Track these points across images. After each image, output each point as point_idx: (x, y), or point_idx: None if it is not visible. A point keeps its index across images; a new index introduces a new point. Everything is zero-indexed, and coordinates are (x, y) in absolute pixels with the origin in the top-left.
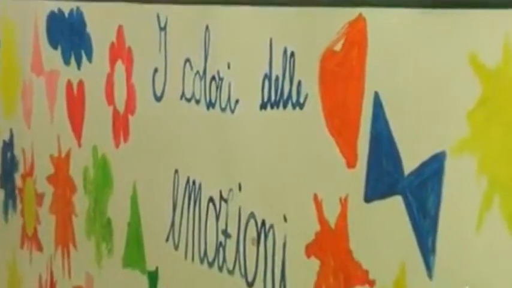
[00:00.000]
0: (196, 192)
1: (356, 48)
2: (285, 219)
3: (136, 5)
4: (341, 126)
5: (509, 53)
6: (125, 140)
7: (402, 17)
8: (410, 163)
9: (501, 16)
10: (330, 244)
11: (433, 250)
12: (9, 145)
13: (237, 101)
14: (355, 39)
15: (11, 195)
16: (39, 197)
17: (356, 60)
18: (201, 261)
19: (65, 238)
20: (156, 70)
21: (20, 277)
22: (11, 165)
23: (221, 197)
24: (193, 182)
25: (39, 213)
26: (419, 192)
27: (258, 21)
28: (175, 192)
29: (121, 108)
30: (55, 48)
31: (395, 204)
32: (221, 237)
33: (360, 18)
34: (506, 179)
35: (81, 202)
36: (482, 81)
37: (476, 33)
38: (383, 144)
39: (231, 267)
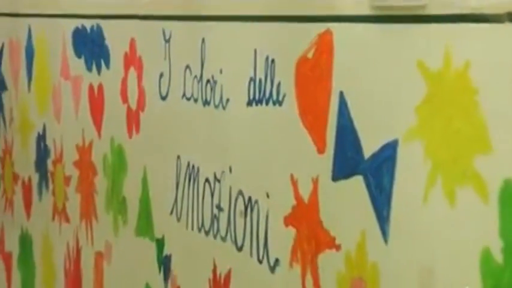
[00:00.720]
0: (195, 174)
1: (325, 55)
2: (267, 196)
3: (145, 21)
4: (313, 119)
5: (449, 59)
6: (137, 132)
7: (362, 30)
8: (369, 149)
9: (442, 30)
10: (304, 216)
11: (387, 220)
12: (42, 137)
13: (227, 100)
14: (324, 48)
15: (44, 177)
16: (67, 179)
17: (325, 65)
18: (199, 230)
19: (88, 212)
20: (161, 75)
21: (51, 244)
22: (44, 153)
23: (215, 178)
24: (193, 166)
25: (67, 192)
26: (377, 172)
27: (245, 34)
28: (178, 174)
29: (133, 106)
30: (79, 57)
31: (357, 183)
32: (215, 211)
33: (328, 31)
34: (447, 161)
35: (101, 183)
36: (427, 82)
37: (423, 44)
38: (347, 134)
39: (223, 235)
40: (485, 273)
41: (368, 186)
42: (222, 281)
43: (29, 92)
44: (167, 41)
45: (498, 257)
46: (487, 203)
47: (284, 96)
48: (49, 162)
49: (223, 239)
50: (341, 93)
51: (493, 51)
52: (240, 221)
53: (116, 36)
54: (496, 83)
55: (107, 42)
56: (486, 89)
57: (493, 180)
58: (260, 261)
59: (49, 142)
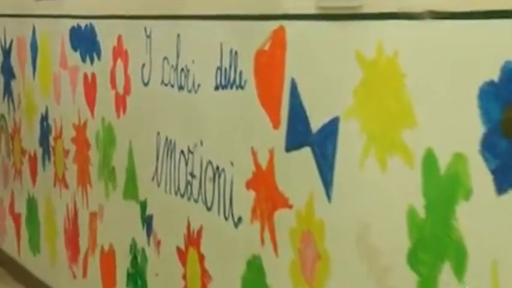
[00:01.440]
0: (172, 147)
1: (279, 48)
2: (232, 164)
3: (130, 20)
4: (269, 101)
5: (381, 50)
6: (124, 112)
7: (310, 27)
8: (315, 125)
9: (375, 26)
10: (262, 181)
11: (331, 183)
12: (45, 117)
13: (199, 85)
14: (278, 42)
15: (47, 151)
16: (66, 152)
17: (279, 56)
18: (176, 193)
19: (83, 180)
20: (143, 65)
21: (53, 207)
22: (46, 131)
23: (189, 150)
24: (170, 140)
25: (66, 163)
26: (322, 144)
27: (213, 30)
28: (158, 147)
29: (120, 91)
30: (75, 51)
31: (306, 153)
32: (189, 177)
33: (281, 28)
34: (379, 135)
35: (94, 155)
36: (363, 69)
37: (360, 37)
38: (297, 113)
39: (196, 198)
40: (411, 226)
41: (315, 155)
42: (195, 235)
43: (33, 80)
44: (148, 36)
45: (421, 212)
46: (412, 168)
47: (245, 81)
48: (51, 138)
49: (196, 200)
50: (292, 79)
51: (417, 42)
52: (209, 186)
53: (105, 33)
54: (420, 69)
55: (98, 38)
56: (412, 74)
57: (417, 149)
58: (226, 219)
59: (50, 121)
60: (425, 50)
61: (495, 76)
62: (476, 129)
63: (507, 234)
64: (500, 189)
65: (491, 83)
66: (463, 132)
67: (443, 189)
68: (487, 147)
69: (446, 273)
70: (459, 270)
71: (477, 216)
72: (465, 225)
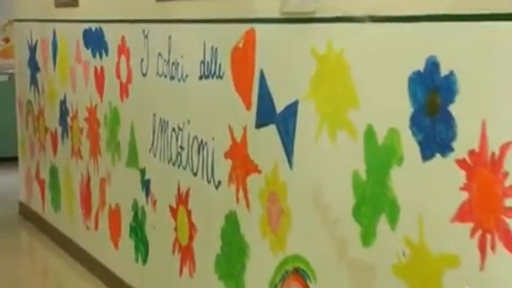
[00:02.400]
0: (165, 125)
1: (250, 45)
2: (213, 139)
3: (131, 24)
4: (242, 88)
5: (331, 46)
6: (126, 97)
7: (275, 28)
8: (279, 107)
9: (326, 27)
10: (237, 152)
11: (292, 153)
12: (63, 102)
13: (186, 75)
14: (250, 40)
15: (65, 129)
16: (80, 130)
17: (250, 52)
18: (168, 162)
19: (95, 152)
20: (142, 59)
21: (70, 174)
22: (65, 112)
23: (179, 127)
24: (164, 120)
25: (81, 139)
26: (284, 122)
27: (197, 31)
28: (154, 125)
29: (124, 80)
30: (87, 48)
31: (272, 129)
32: (179, 149)
33: (252, 29)
34: (330, 114)
35: (103, 132)
36: (317, 62)
37: (314, 36)
38: (265, 97)
39: (184, 165)
40: (355, 186)
41: (279, 131)
42: (184, 195)
43: (54, 72)
44: (146, 37)
45: (363, 175)
46: (355, 141)
47: (223, 73)
48: (68, 119)
49: (184, 168)
50: (261, 70)
51: (359, 41)
52: (195, 156)
53: (111, 34)
54: (362, 62)
55: (106, 38)
56: (355, 66)
57: (360, 126)
58: (208, 182)
59: (68, 105)
60: (366, 46)
61: (421, 67)
62: (406, 109)
63: (430, 192)
64: (425, 156)
65: (417, 73)
66: (396, 111)
67: (380, 157)
68: (415, 123)
69: (382, 223)
70: (392, 221)
71: (407, 178)
72: (398, 186)
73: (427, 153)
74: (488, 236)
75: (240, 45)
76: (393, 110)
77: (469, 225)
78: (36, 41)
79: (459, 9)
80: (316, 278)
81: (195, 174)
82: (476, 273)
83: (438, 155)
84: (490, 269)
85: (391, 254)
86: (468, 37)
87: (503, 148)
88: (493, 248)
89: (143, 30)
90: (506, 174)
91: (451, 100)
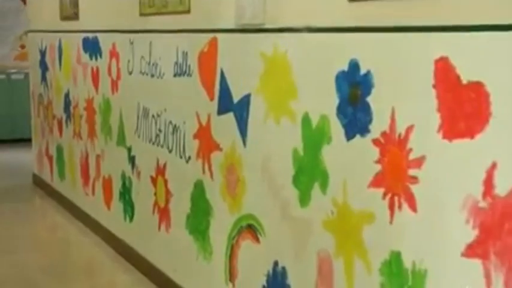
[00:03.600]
0: (147, 113)
1: (213, 50)
2: (184, 123)
3: (120, 33)
4: (207, 83)
5: (276, 50)
6: (116, 91)
7: (232, 36)
8: (236, 98)
9: (273, 35)
10: (203, 133)
11: (245, 134)
12: (67, 94)
13: (164, 73)
14: (213, 46)
15: (68, 116)
16: (80, 117)
17: (213, 54)
18: (149, 142)
19: (91, 134)
20: (128, 61)
21: (73, 151)
22: (68, 103)
23: (157, 114)
24: (146, 108)
25: (81, 123)
26: (240, 110)
27: (172, 39)
28: (138, 112)
29: (114, 77)
30: (86, 52)
31: (230, 116)
32: (158, 132)
33: (215, 37)
34: (275, 104)
35: (98, 118)
36: (265, 63)
37: (263, 43)
38: (224, 90)
39: (162, 144)
40: (294, 160)
41: (236, 117)
42: (162, 168)
43: (60, 71)
44: (131, 43)
45: (301, 151)
46: (295, 125)
47: (192, 71)
48: (71, 108)
49: (162, 146)
50: (221, 69)
51: (298, 46)
52: (171, 137)
53: (105, 42)
54: (300, 62)
55: (100, 45)
56: (295, 65)
57: (298, 113)
58: (181, 157)
59: (71, 97)
60: (303, 51)
61: (345, 67)
62: (334, 100)
63: (352, 164)
64: (348, 136)
65: (342, 72)
66: (326, 102)
67: (314, 137)
68: (340, 111)
69: (315, 189)
70: (323, 187)
71: (335, 153)
72: (327, 159)
73: (349, 134)
74: (396, 198)
75: (205, 50)
76: (324, 101)
77: (382, 190)
78: (46, 47)
79: (373, 22)
80: (265, 232)
81: (170, 151)
82: (387, 226)
83: (358, 136)
84: (397, 223)
85: (323, 212)
86: (381, 44)
87: (408, 130)
88: (399, 207)
89: (129, 39)
90: (410, 150)
91: (368, 93)
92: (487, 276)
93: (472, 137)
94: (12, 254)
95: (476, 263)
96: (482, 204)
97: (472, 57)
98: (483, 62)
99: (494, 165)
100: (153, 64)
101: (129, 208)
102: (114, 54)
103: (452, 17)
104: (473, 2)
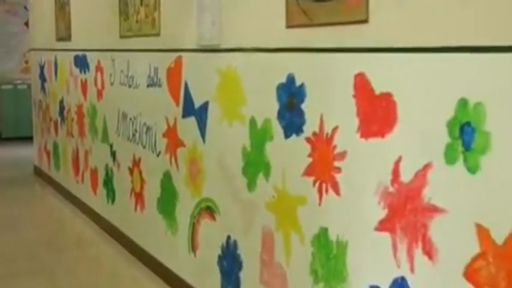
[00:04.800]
0: (125, 116)
1: (179, 66)
2: (156, 124)
3: (104, 52)
4: (174, 92)
5: (229, 66)
6: (101, 99)
7: (194, 55)
8: (197, 104)
9: (226, 54)
10: (171, 133)
11: (204, 134)
12: (61, 101)
13: (139, 84)
14: (178, 63)
15: (63, 119)
16: (72, 119)
17: (179, 69)
18: (128, 140)
19: (81, 133)
20: (111, 74)
21: (66, 147)
22: (62, 108)
23: (134, 117)
24: (124, 113)
25: (73, 125)
26: (200, 114)
27: (145, 58)
28: (118, 116)
29: (100, 87)
30: (76, 67)
31: (192, 119)
32: (134, 131)
33: (180, 56)
34: (228, 109)
35: (86, 121)
36: (220, 76)
37: (219, 60)
38: (188, 98)
39: (137, 141)
40: (243, 154)
41: (197, 120)
42: (137, 161)
43: (56, 81)
44: (113, 60)
45: (248, 147)
46: (244, 126)
47: (162, 83)
48: (64, 112)
49: (137, 143)
50: (185, 82)
51: (247, 62)
52: (144, 134)
53: (92, 59)
54: (248, 75)
55: (88, 61)
56: (244, 79)
57: (247, 116)
58: (153, 152)
59: (64, 103)
60: (251, 67)
61: (284, 80)
62: (275, 106)
63: (289, 158)
64: (286, 135)
65: (282, 84)
66: (269, 108)
67: (259, 136)
68: (280, 115)
69: (260, 177)
70: (266, 176)
71: (275, 148)
72: (270, 153)
73: (287, 134)
74: (324, 185)
75: (173, 66)
76: (267, 107)
77: (312, 178)
78: (44, 62)
79: (306, 44)
80: (220, 212)
81: (144, 147)
82: (317, 207)
83: (294, 135)
84: (325, 205)
85: (266, 196)
86: (312, 62)
87: (333, 131)
88: (326, 191)
89: (111, 56)
90: (334, 147)
91: (302, 101)
92: (394, 246)
93: (383, 136)
94: (17, 231)
95: (386, 235)
96: (391, 189)
97: (383, 74)
98: (392, 78)
99: (400, 159)
100: (130, 77)
101: (111, 193)
102: (99, 68)
103: (368, 41)
104: (383, 30)
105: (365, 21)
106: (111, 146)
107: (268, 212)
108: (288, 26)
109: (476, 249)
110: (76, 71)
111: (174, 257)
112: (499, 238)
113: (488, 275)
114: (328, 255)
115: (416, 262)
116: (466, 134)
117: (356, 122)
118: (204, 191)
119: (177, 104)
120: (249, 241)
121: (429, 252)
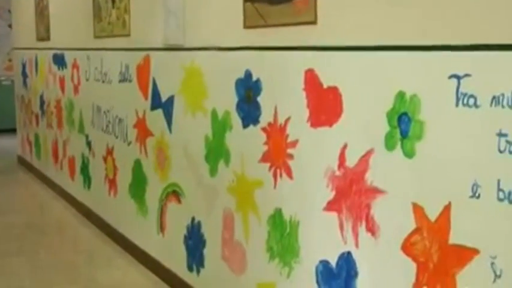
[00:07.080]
0: (99, 109)
1: (147, 63)
2: (127, 117)
3: (81, 51)
4: (143, 86)
5: (193, 63)
6: (77, 93)
7: (161, 53)
8: (164, 98)
9: (191, 53)
10: (140, 124)
11: (171, 125)
12: (41, 96)
13: (111, 80)
14: (147, 60)
15: (43, 113)
16: (51, 113)
17: (147, 66)
18: (102, 130)
19: (60, 125)
20: (86, 71)
21: (46, 138)
22: (42, 102)
23: (107, 110)
24: (99, 106)
25: (52, 118)
26: (166, 107)
27: (116, 56)
28: (93, 109)
29: (76, 83)
30: (55, 65)
31: (160, 111)
32: (107, 123)
33: (148, 54)
34: (192, 102)
35: (64, 114)
36: (185, 72)
37: (184, 58)
38: (155, 92)
39: (111, 131)
40: (206, 143)
41: (164, 112)
42: (110, 149)
43: (36, 78)
44: (88, 58)
45: (210, 136)
46: (206, 117)
47: (132, 78)
48: (45, 106)
49: (110, 133)
50: (153, 78)
51: (210, 60)
52: (117, 127)
53: (69, 57)
54: (210, 72)
55: (65, 59)
56: (206, 75)
57: (208, 108)
58: (124, 142)
59: (44, 98)
60: (212, 64)
61: (242, 75)
62: (234, 99)
63: (247, 146)
64: (244, 126)
65: (240, 79)
66: (228, 100)
67: (220, 126)
68: (239, 107)
69: (221, 164)
70: (227, 162)
71: (234, 138)
72: (229, 142)
73: (245, 124)
74: (278, 170)
75: (142, 63)
76: (227, 100)
77: (268, 164)
78: (26, 61)
79: (262, 43)
80: (185, 196)
81: (116, 137)
82: (272, 190)
83: (251, 125)
84: (279, 188)
85: (226, 181)
86: (267, 59)
87: (286, 121)
88: (280, 176)
89: (87, 55)
90: (287, 135)
91: (258, 94)
92: (341, 224)
93: (330, 125)
94: (2, 215)
95: (333, 215)
96: (338, 173)
97: (330, 70)
98: (338, 73)
99: (345, 146)
100: (104, 73)
101: (87, 179)
102: (75, 66)
103: (317, 40)
104: (330, 30)
105: (314, 22)
106: (86, 137)
107: (229, 195)
108: (246, 27)
109: (412, 225)
110: (55, 68)
111: (144, 237)
112: (432, 215)
113: (423, 248)
114: (283, 233)
115: (361, 238)
116: (403, 123)
117: (306, 113)
118: (171, 176)
119: (146, 98)
120: (211, 222)
121: (372, 229)
